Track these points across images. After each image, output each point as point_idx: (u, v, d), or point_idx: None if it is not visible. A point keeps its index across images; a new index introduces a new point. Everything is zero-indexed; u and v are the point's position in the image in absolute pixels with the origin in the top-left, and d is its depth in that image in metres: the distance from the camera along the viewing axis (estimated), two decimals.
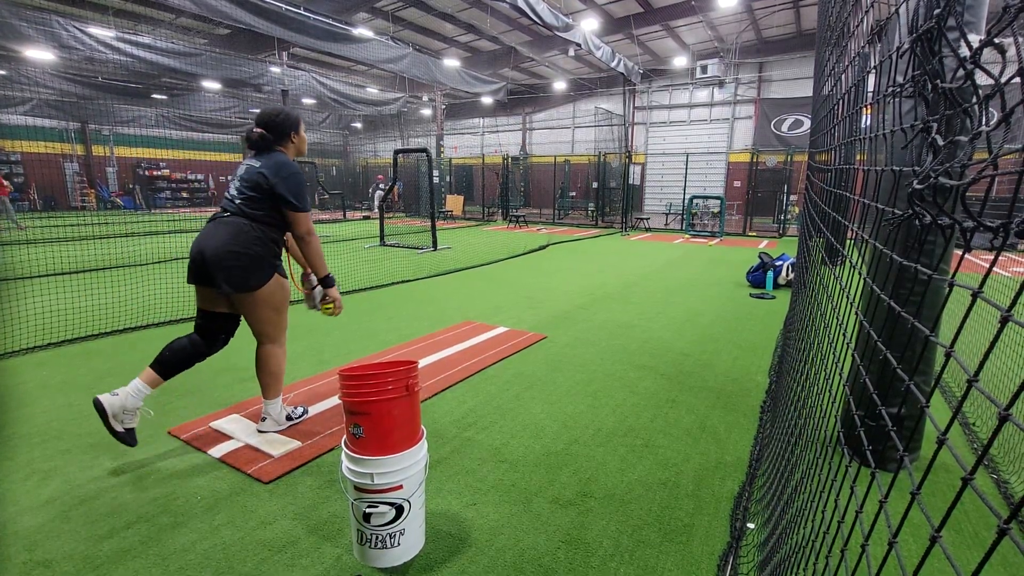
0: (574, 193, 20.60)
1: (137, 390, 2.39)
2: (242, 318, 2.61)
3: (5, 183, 12.65)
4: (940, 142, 0.74)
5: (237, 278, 2.40)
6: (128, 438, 2.39)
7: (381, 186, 20.57)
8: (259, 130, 2.53)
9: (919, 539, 1.99)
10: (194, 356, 2.51)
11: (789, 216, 13.91)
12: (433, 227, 10.32)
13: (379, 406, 1.72)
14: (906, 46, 0.97)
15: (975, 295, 0.57)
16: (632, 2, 13.35)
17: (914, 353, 2.23)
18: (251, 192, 2.46)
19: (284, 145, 2.61)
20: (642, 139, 20.40)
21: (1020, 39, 0.55)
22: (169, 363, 2.46)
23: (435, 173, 11.53)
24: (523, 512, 2.12)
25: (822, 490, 1.13)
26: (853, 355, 1.14)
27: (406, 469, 1.76)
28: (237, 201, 2.47)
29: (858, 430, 0.96)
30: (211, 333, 2.55)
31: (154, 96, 16.76)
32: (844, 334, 1.15)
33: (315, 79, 13.93)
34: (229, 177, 2.88)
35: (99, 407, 2.32)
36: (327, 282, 2.71)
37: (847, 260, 1.24)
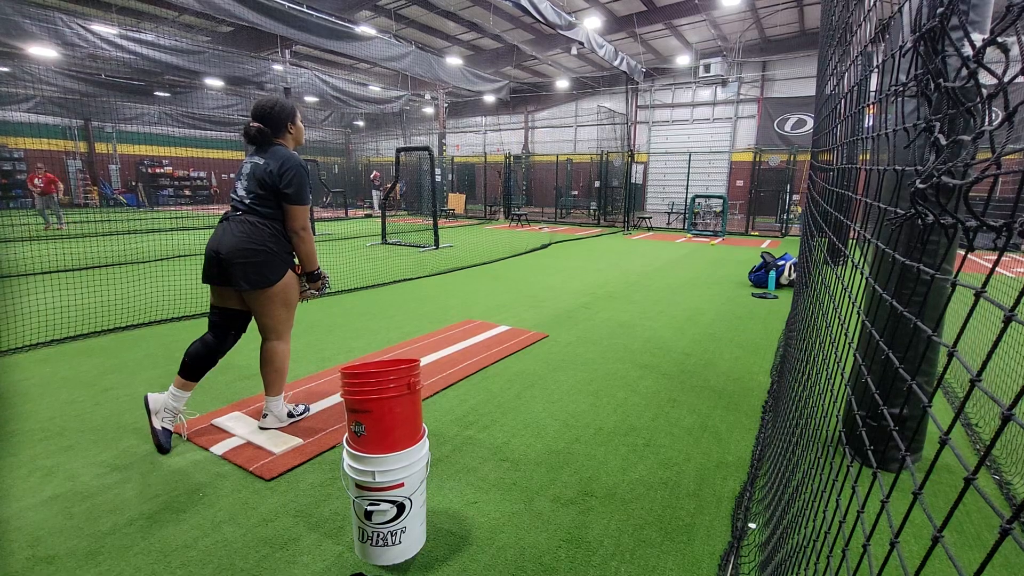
0: (576, 192, 20.58)
1: (173, 394, 2.55)
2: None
3: (53, 180, 12.54)
4: (943, 141, 0.74)
5: (254, 275, 2.44)
6: (163, 438, 2.51)
7: (376, 184, 20.53)
8: (256, 124, 2.52)
9: (921, 540, 1.98)
10: (210, 355, 2.58)
11: (791, 216, 13.88)
12: (435, 225, 10.33)
13: (381, 404, 1.73)
14: (909, 45, 0.97)
15: (978, 295, 0.57)
16: (635, 0, 13.32)
17: (916, 353, 2.22)
18: (259, 190, 2.48)
19: (282, 137, 2.60)
20: (644, 138, 20.37)
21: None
22: (191, 367, 2.55)
23: (437, 171, 11.52)
24: (524, 511, 2.13)
25: (823, 490, 1.13)
26: (855, 355, 1.14)
27: (407, 467, 1.76)
28: (247, 200, 2.49)
29: (860, 430, 0.96)
30: (223, 330, 2.60)
31: (157, 93, 16.78)
32: (846, 334, 1.15)
33: (318, 77, 13.92)
34: (234, 176, 2.82)
35: (147, 403, 2.53)
36: (312, 277, 2.69)
37: (849, 260, 1.24)
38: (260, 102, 2.57)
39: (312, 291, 2.73)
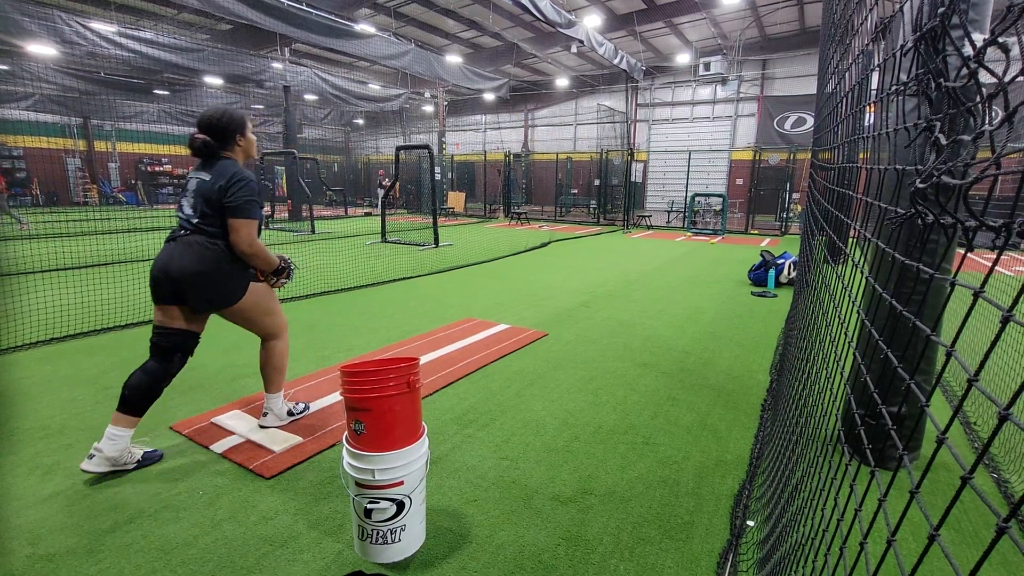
0: (576, 191, 20.58)
1: (114, 436, 2.26)
2: (201, 334, 2.48)
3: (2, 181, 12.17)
4: (943, 141, 0.74)
5: (216, 297, 2.34)
6: (147, 461, 2.39)
7: (384, 182, 20.58)
8: (201, 136, 2.33)
9: (918, 538, 1.99)
10: (155, 384, 2.33)
11: (791, 214, 13.89)
12: (435, 224, 10.32)
13: (381, 402, 1.73)
14: (910, 44, 0.97)
15: (977, 295, 0.57)
16: None
17: (915, 352, 2.22)
18: (206, 208, 2.30)
19: (230, 150, 2.41)
20: (644, 136, 20.36)
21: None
22: (133, 401, 2.29)
23: (437, 170, 11.53)
24: (523, 509, 2.13)
25: (822, 488, 1.13)
26: (854, 354, 1.14)
27: (407, 465, 1.77)
28: (195, 220, 2.31)
29: (858, 429, 0.96)
30: (167, 352, 2.35)
31: (156, 92, 16.77)
32: (845, 333, 1.15)
33: (317, 75, 13.91)
34: (180, 192, 2.63)
35: (91, 472, 2.26)
36: (276, 272, 2.54)
37: (849, 259, 1.24)
38: (206, 112, 2.37)
39: (282, 280, 2.59)
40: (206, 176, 2.32)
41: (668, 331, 4.64)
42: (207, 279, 2.30)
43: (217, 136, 2.36)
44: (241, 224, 2.30)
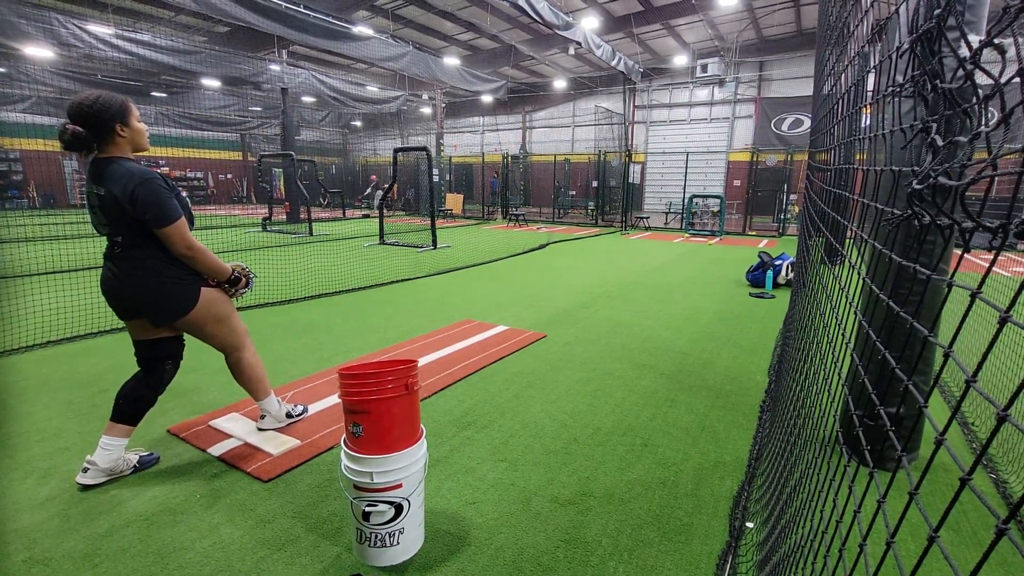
0: (574, 192, 20.59)
1: (108, 447, 2.24)
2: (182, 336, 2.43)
3: None
4: (940, 142, 0.74)
5: (166, 310, 2.22)
6: (144, 465, 2.38)
7: (381, 185, 20.62)
8: (73, 127, 2.00)
9: (917, 539, 1.99)
10: (148, 393, 2.31)
11: (789, 215, 13.91)
12: (433, 225, 10.32)
13: (379, 405, 1.72)
14: (906, 46, 0.97)
15: (974, 295, 0.57)
16: (632, 0, 13.34)
17: (913, 353, 2.23)
18: (121, 227, 2.11)
19: (111, 143, 2.08)
20: (642, 138, 20.40)
21: (1020, 39, 0.55)
22: (127, 411, 2.27)
23: (435, 171, 11.53)
24: (522, 511, 2.13)
25: (821, 489, 1.13)
26: (852, 355, 1.14)
27: (405, 468, 1.76)
28: (119, 239, 2.14)
29: (857, 430, 0.96)
30: (154, 363, 2.32)
31: (153, 94, 16.75)
32: (843, 334, 1.15)
33: (315, 77, 13.91)
34: (87, 208, 2.25)
35: (90, 485, 2.23)
36: (231, 283, 2.40)
37: (846, 260, 1.24)
38: (78, 99, 2.01)
39: (240, 291, 2.46)
40: (100, 191, 2.06)
41: (666, 332, 4.64)
42: (156, 296, 2.18)
43: (91, 126, 2.02)
44: (170, 232, 2.11)
